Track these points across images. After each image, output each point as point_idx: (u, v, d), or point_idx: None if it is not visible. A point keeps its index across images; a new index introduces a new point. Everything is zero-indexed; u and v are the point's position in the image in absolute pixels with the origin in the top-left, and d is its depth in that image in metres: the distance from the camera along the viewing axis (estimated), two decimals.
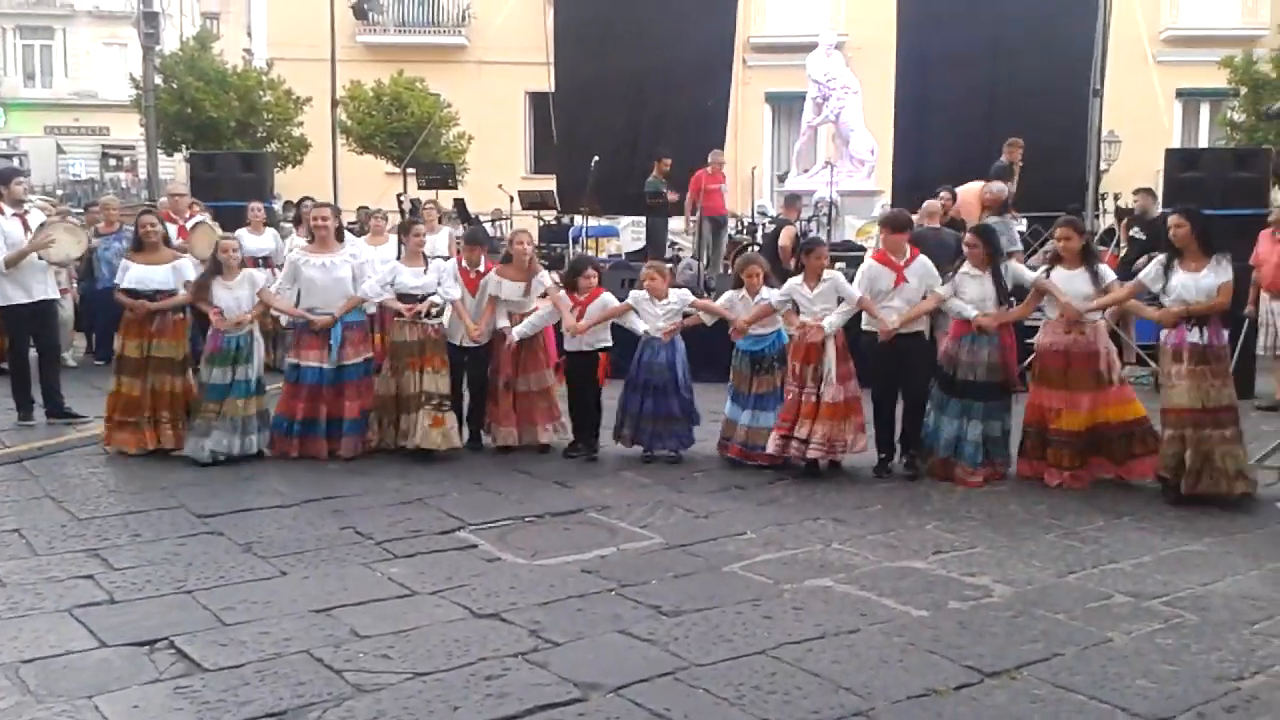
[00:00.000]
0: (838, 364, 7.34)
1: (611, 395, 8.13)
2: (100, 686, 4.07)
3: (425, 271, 8.05)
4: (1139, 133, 22.36)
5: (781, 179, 21.20)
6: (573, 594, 5.10)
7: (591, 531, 6.19)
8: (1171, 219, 6.96)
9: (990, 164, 12.81)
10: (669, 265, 9.62)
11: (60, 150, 37.93)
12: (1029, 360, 7.64)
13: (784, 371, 7.58)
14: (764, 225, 16.13)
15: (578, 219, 16.00)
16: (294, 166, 24.33)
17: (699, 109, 15.99)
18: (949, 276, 7.54)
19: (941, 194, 11.70)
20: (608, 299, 8.16)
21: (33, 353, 9.00)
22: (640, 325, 7.94)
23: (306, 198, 12.38)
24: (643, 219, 16.10)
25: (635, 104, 16.02)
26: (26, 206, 9.10)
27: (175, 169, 27.64)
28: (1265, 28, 25.47)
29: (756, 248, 12.95)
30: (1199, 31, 26.59)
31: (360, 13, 27.84)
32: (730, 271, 11.31)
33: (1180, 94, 27.00)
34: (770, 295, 7.65)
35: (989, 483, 7.27)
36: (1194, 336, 6.73)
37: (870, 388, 7.72)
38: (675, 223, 16.42)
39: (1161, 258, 7.02)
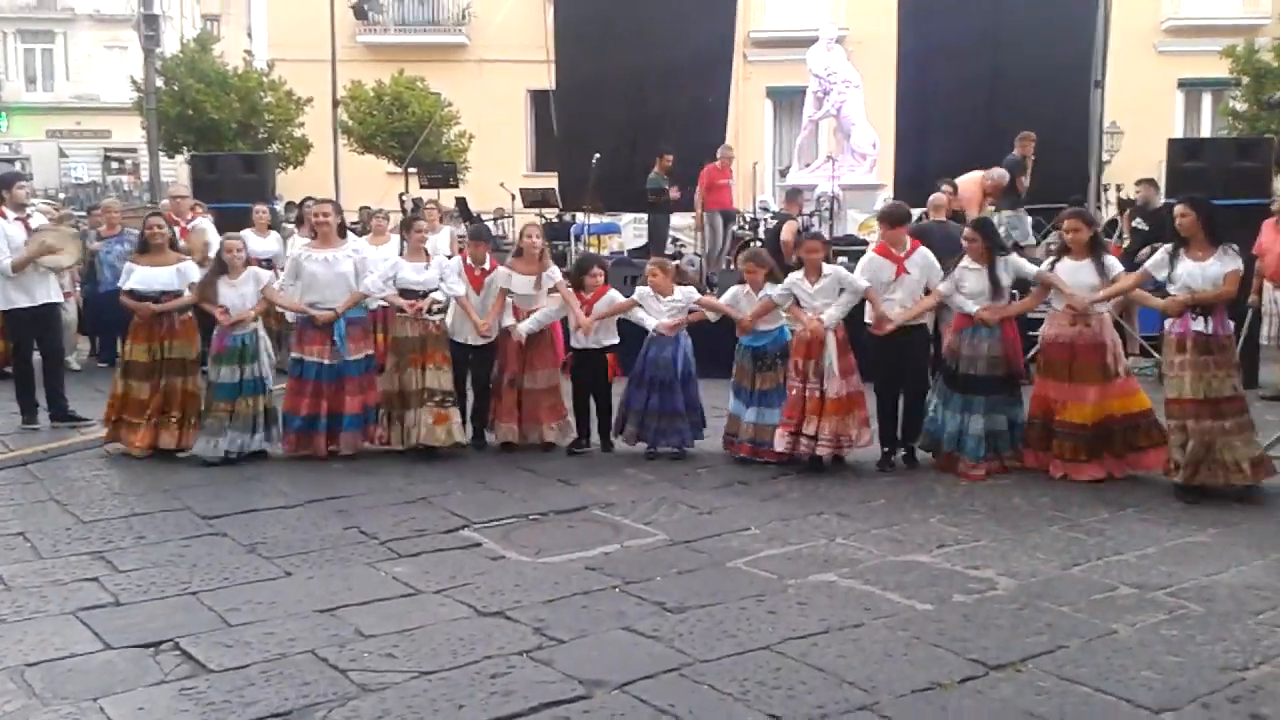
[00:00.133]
0: (839, 358, 7.34)
1: (618, 393, 8.14)
2: (105, 689, 4.08)
3: (427, 267, 8.05)
4: (1141, 123, 22.35)
5: (783, 174, 21.16)
6: (577, 591, 5.11)
7: (595, 529, 6.19)
8: (1178, 208, 6.90)
9: (991, 156, 12.78)
10: (675, 262, 9.60)
11: (62, 154, 37.92)
12: (1034, 351, 7.63)
13: (786, 367, 7.58)
14: (766, 220, 16.12)
15: (580, 216, 16.00)
16: (295, 167, 24.35)
17: (700, 105, 15.97)
18: (949, 270, 7.53)
19: (943, 187, 11.69)
20: (614, 296, 8.16)
21: (36, 356, 9.02)
22: (650, 321, 7.95)
23: (308, 198, 12.38)
24: (644, 215, 16.09)
25: (636, 100, 15.98)
26: (29, 210, 9.11)
27: (177, 171, 27.62)
28: (1267, 17, 25.42)
29: (759, 243, 12.98)
30: (1200, 21, 26.55)
31: (360, 13, 27.83)
32: (734, 267, 11.30)
33: (1182, 84, 26.97)
34: (772, 291, 7.65)
35: (992, 476, 7.26)
36: (1199, 325, 6.67)
37: (872, 381, 7.71)
38: (677, 219, 16.42)
39: (1167, 246, 6.97)
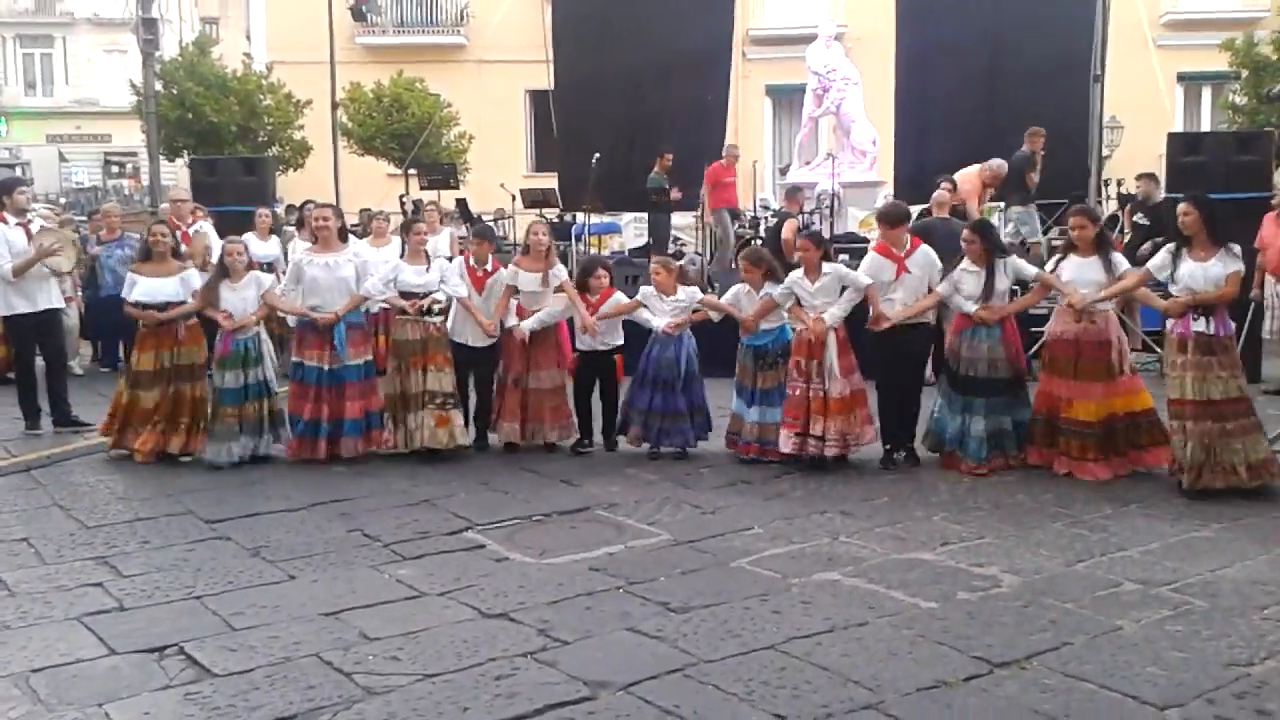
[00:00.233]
0: (840, 357, 7.34)
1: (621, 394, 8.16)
2: (110, 694, 4.08)
3: (428, 270, 8.04)
4: (1141, 118, 22.29)
5: (783, 172, 21.14)
6: (581, 592, 5.11)
7: (599, 529, 6.19)
8: (1180, 206, 6.85)
9: (992, 154, 12.76)
10: (679, 263, 9.62)
11: (63, 158, 38.00)
12: (1035, 348, 7.62)
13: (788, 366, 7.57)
14: (766, 219, 16.11)
15: (580, 216, 16.00)
16: (295, 170, 24.33)
17: (699, 103, 15.96)
18: (951, 269, 7.52)
19: (942, 184, 11.68)
20: (619, 298, 8.17)
21: (39, 361, 9.02)
22: (654, 321, 7.95)
23: (309, 201, 12.37)
24: (645, 215, 16.09)
25: (635, 99, 15.98)
26: (30, 216, 9.11)
27: (177, 174, 27.64)
28: (1265, 10, 25.33)
29: (760, 241, 12.97)
30: (1199, 15, 26.48)
31: (358, 14, 27.86)
32: (735, 266, 11.30)
33: (1181, 78, 26.90)
34: (773, 290, 7.64)
35: (995, 473, 7.26)
36: (1200, 326, 6.63)
37: (873, 379, 7.71)
38: (678, 218, 16.42)
39: (1169, 246, 6.94)
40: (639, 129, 15.76)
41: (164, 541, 6.03)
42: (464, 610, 4.89)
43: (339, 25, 20.28)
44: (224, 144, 22.93)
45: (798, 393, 7.41)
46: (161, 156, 22.00)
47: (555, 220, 16.73)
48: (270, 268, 10.97)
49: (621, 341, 8.21)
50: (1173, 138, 11.60)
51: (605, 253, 16.72)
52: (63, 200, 28.39)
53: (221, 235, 10.43)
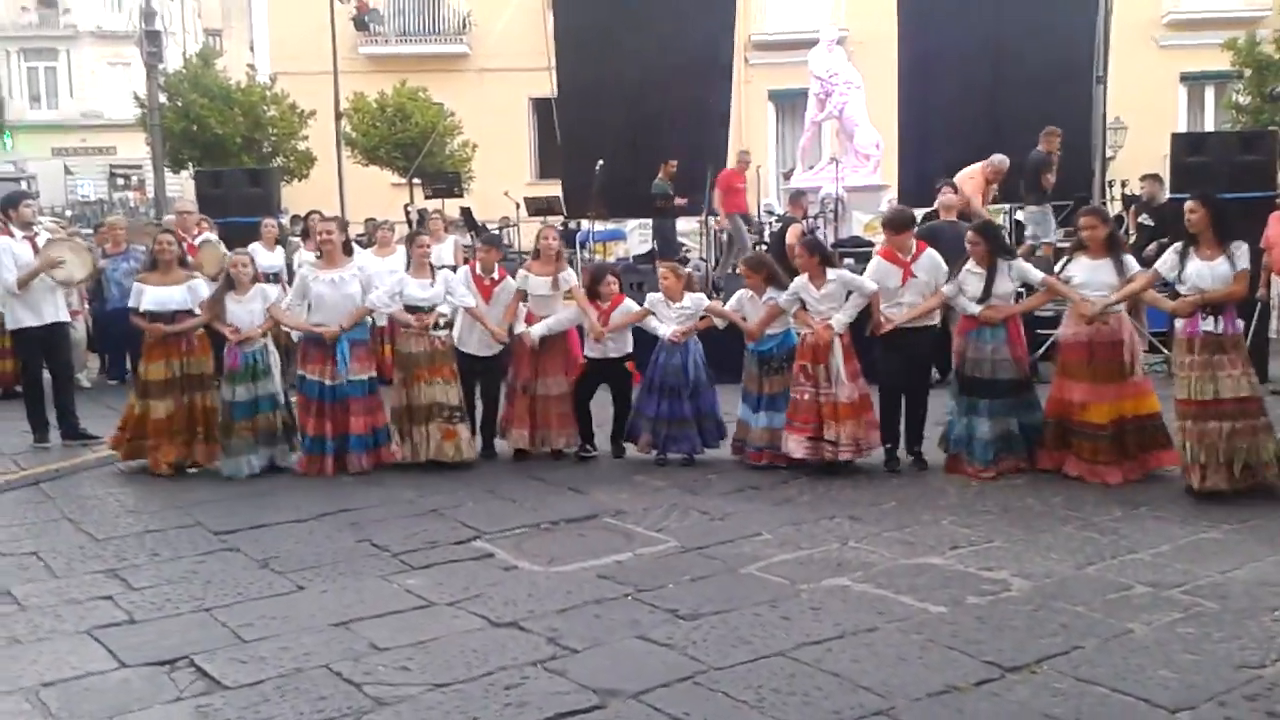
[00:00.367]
0: (845, 362, 7.33)
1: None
2: (121, 707, 4.08)
3: (433, 284, 8.03)
4: (1144, 118, 22.29)
5: (787, 176, 21.18)
6: (590, 600, 5.11)
7: (607, 537, 6.19)
8: (1187, 204, 6.80)
9: (994, 153, 12.74)
10: (685, 270, 9.62)
11: (68, 171, 38.11)
12: (1042, 349, 7.60)
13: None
14: (770, 224, 16.12)
15: (585, 223, 16.02)
16: (300, 180, 24.39)
17: (702, 109, 15.96)
18: (957, 272, 7.51)
19: (943, 187, 11.65)
20: (629, 305, 8.16)
21: (46, 375, 9.03)
22: (662, 329, 7.95)
23: (314, 211, 12.41)
24: (650, 221, 16.10)
25: (637, 106, 15.98)
26: (36, 229, 9.14)
27: (183, 186, 27.72)
28: (1267, 9, 25.32)
29: (764, 246, 12.97)
30: (1201, 14, 26.48)
31: (361, 24, 27.93)
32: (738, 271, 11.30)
33: (1184, 78, 26.91)
34: (778, 296, 7.64)
35: (1003, 476, 7.24)
36: (1208, 325, 6.60)
37: (877, 383, 7.70)
38: (683, 224, 16.43)
39: (1177, 246, 6.90)
40: (642, 135, 15.78)
41: (173, 554, 6.03)
42: (473, 619, 4.90)
43: (342, 35, 20.38)
44: (229, 155, 23.00)
45: (806, 397, 7.40)
46: (166, 169, 22.10)
47: (560, 227, 16.77)
48: (275, 278, 11.02)
49: (630, 349, 8.20)
50: (1177, 138, 11.58)
51: (611, 259, 16.73)
52: (68, 213, 28.46)
53: (228, 247, 10.45)
